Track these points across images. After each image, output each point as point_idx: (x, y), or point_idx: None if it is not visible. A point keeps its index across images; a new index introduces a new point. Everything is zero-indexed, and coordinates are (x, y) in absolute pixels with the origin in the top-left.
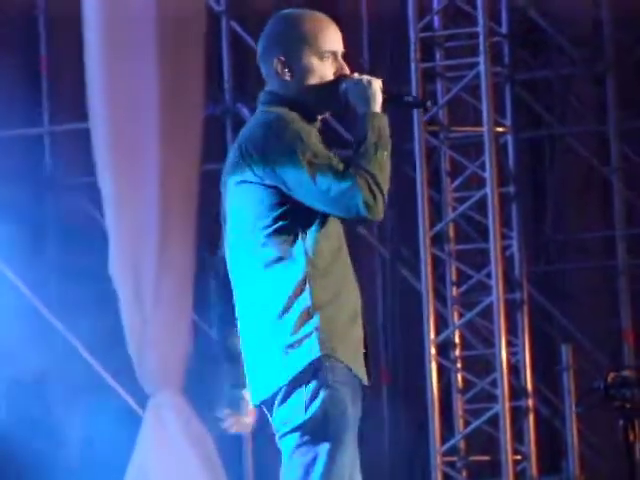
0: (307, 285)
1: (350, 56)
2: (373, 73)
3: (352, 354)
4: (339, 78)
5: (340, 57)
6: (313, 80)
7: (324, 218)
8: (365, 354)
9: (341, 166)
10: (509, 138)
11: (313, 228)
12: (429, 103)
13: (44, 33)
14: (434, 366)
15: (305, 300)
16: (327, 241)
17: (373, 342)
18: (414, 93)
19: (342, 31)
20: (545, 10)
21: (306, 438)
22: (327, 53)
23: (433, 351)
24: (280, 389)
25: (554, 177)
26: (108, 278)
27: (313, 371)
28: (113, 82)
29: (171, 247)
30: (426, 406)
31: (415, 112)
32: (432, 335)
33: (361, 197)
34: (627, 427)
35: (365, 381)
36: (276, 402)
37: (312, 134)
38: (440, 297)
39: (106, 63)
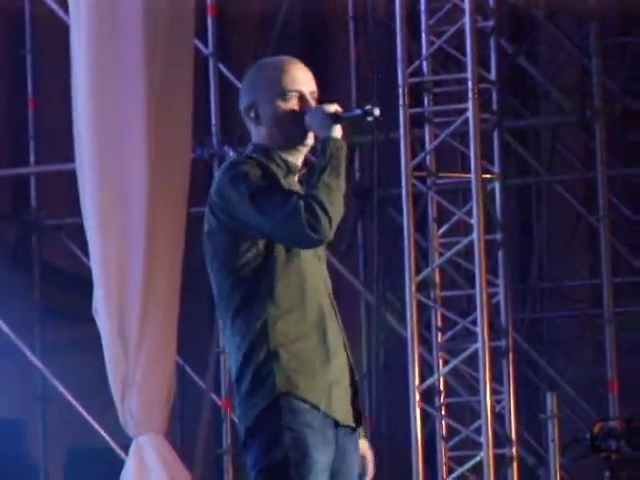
0: (268, 325)
1: (339, 100)
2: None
3: (322, 392)
4: (301, 112)
5: (308, 96)
6: (279, 121)
7: (287, 258)
8: (354, 392)
9: (287, 195)
10: (497, 185)
11: (275, 269)
12: (370, 108)
13: (31, 72)
14: (418, 413)
15: (267, 340)
16: (292, 279)
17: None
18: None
19: (331, 74)
20: (534, 58)
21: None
22: (290, 93)
23: (417, 398)
24: (247, 431)
25: (541, 224)
26: (92, 319)
27: (273, 413)
28: (100, 124)
29: (156, 289)
30: (410, 453)
31: (402, 157)
32: (417, 382)
33: (303, 219)
34: (613, 478)
35: (346, 421)
36: (246, 444)
37: (259, 171)
38: (425, 343)
39: (93, 104)
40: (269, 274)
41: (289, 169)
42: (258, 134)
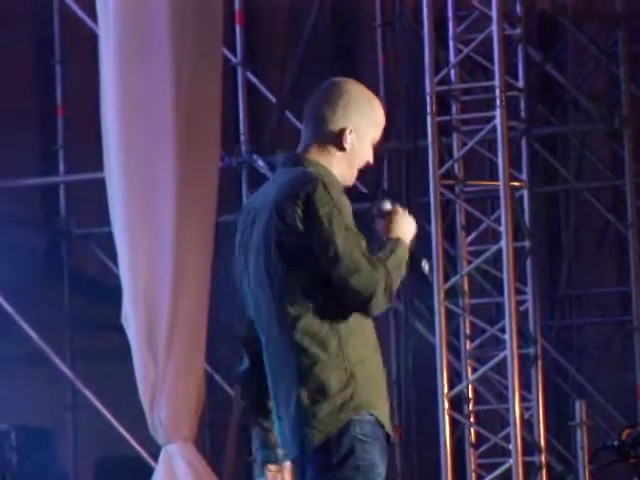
0: (342, 343)
1: None
2: (388, 124)
3: (386, 410)
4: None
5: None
6: (355, 160)
7: None
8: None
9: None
10: (525, 192)
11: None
12: (427, 271)
13: (60, 82)
14: (447, 420)
15: (342, 359)
16: None
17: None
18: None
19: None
20: (562, 65)
21: None
22: (374, 140)
23: (446, 405)
24: (314, 444)
25: (569, 232)
26: (121, 328)
27: (347, 425)
28: (129, 132)
29: (185, 298)
30: (439, 460)
31: (430, 165)
32: (445, 389)
33: (379, 295)
34: None
35: (392, 435)
36: (311, 456)
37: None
38: (454, 351)
39: (122, 114)
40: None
41: None
42: (326, 156)
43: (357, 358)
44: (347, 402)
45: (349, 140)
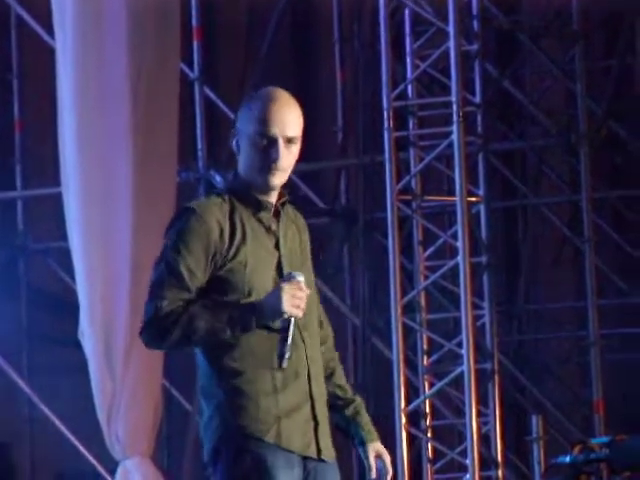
0: (213, 359)
1: (323, 123)
2: (346, 140)
3: (269, 425)
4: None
5: (281, 141)
6: (248, 159)
7: (233, 295)
8: (316, 423)
9: (184, 284)
10: (482, 208)
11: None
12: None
13: (18, 96)
14: (404, 435)
15: (213, 374)
16: None
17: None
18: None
19: (317, 97)
20: (519, 81)
21: None
22: (263, 135)
23: (403, 420)
24: (209, 455)
25: (527, 247)
26: (79, 343)
27: (232, 438)
28: (85, 148)
29: (142, 313)
30: (396, 475)
31: (388, 180)
32: (402, 404)
33: (154, 321)
34: None
35: (304, 451)
36: (209, 468)
37: (198, 237)
38: (411, 366)
39: (79, 128)
40: None
41: (261, 206)
42: (239, 164)
43: (229, 374)
44: (218, 418)
45: (234, 142)
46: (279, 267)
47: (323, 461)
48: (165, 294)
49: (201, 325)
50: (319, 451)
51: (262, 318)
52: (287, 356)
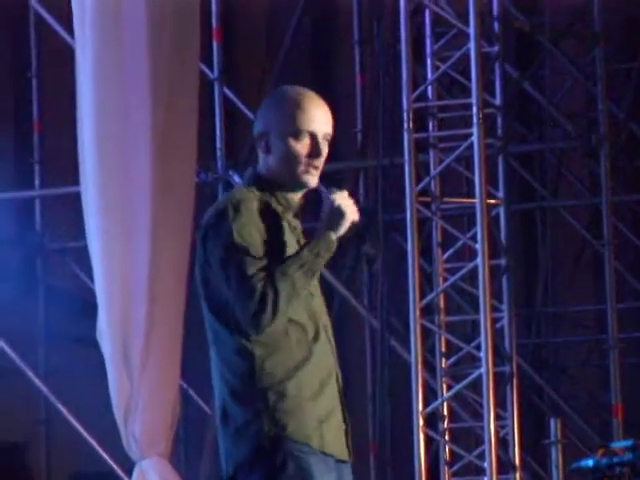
0: (256, 365)
1: (343, 124)
2: (365, 141)
3: (313, 430)
4: (318, 188)
5: (321, 138)
6: (287, 160)
7: None
8: (345, 425)
9: (257, 265)
10: (501, 210)
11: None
12: (365, 251)
13: (37, 96)
14: (422, 438)
15: (254, 381)
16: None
17: (362, 412)
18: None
19: (336, 99)
20: (539, 83)
21: None
22: (303, 133)
23: (421, 423)
24: (240, 466)
25: (546, 250)
26: (96, 343)
27: (273, 444)
28: (105, 147)
29: (161, 313)
30: (413, 478)
31: (407, 182)
32: (420, 406)
33: (251, 306)
34: None
35: (340, 455)
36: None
37: (251, 225)
38: (429, 368)
39: (98, 127)
40: None
41: (289, 205)
42: (265, 164)
43: (273, 379)
44: (256, 425)
45: (263, 143)
46: None
47: (344, 462)
48: (249, 276)
49: (293, 269)
50: (349, 454)
51: (333, 230)
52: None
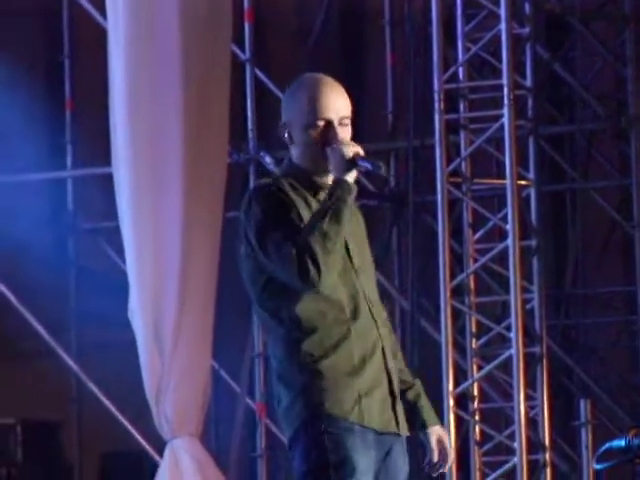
0: (294, 348)
1: (373, 106)
2: (396, 123)
3: (351, 404)
4: (323, 143)
5: (336, 123)
6: (306, 148)
7: None
8: (393, 398)
9: (288, 234)
10: (532, 191)
11: (292, 292)
12: (379, 166)
13: (69, 77)
14: (452, 418)
15: (293, 362)
16: (311, 300)
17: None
18: (438, 151)
19: (367, 80)
20: (570, 64)
21: None
22: (318, 121)
23: (451, 403)
24: (290, 438)
25: (576, 231)
26: (128, 323)
27: (313, 421)
28: (137, 128)
29: (192, 294)
30: None
31: (438, 163)
32: (451, 387)
33: (294, 266)
34: None
35: (386, 428)
36: (291, 449)
37: (279, 202)
38: (460, 349)
39: (131, 108)
40: (284, 301)
41: (319, 188)
42: (292, 153)
43: (311, 359)
44: (299, 404)
45: (286, 134)
46: (346, 245)
47: (398, 435)
48: (284, 244)
49: (317, 220)
50: (398, 426)
51: (344, 174)
52: (378, 166)
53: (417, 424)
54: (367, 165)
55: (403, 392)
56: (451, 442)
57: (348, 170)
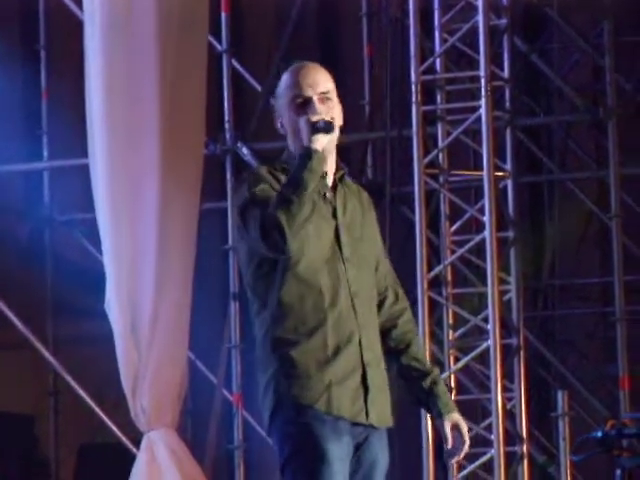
0: (268, 333)
1: (350, 96)
2: (373, 113)
3: (319, 393)
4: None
5: (316, 98)
6: (292, 131)
7: (286, 267)
8: (366, 389)
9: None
10: (509, 183)
11: (275, 279)
12: (323, 124)
13: (45, 67)
14: None
15: (267, 347)
16: (291, 287)
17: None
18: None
19: (344, 71)
20: (547, 56)
21: (288, 474)
22: (298, 100)
23: None
24: (267, 429)
25: (553, 222)
26: (104, 314)
27: (282, 411)
28: (113, 118)
29: (168, 285)
30: (421, 447)
31: (415, 154)
32: None
33: (260, 234)
34: (624, 477)
35: (355, 418)
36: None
37: (265, 182)
38: (437, 340)
39: (107, 99)
40: (271, 284)
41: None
42: (288, 142)
43: (281, 345)
44: (270, 390)
45: (279, 125)
46: (337, 235)
47: (374, 427)
48: (262, 217)
49: (282, 188)
50: (367, 417)
51: (306, 141)
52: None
53: (434, 412)
54: (322, 124)
55: (419, 380)
56: (428, 433)
57: (312, 135)
